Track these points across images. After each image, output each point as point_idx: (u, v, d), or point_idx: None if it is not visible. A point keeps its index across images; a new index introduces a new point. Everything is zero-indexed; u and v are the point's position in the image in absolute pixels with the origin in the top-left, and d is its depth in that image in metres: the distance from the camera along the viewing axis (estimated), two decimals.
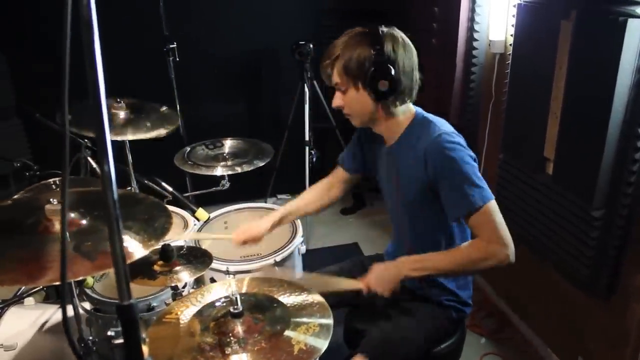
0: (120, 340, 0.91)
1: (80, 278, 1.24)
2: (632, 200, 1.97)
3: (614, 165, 1.97)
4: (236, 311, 1.41)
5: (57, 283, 1.14)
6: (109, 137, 0.82)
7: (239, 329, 1.39)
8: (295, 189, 4.20)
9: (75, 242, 1.24)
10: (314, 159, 3.64)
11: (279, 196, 4.44)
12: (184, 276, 1.71)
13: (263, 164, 2.66)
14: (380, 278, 1.67)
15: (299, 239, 2.42)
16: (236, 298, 1.42)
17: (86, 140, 2.23)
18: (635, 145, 1.89)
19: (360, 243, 3.87)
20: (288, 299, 1.53)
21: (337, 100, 1.74)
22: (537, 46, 2.35)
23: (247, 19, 3.89)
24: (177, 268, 1.73)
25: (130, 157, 2.47)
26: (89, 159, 2.26)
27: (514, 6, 2.50)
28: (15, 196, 1.99)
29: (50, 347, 1.98)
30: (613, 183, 2.00)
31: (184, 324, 1.45)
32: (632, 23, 1.80)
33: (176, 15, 3.40)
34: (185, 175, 3.28)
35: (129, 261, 0.96)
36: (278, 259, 2.27)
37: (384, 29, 1.66)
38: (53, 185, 2.14)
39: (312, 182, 3.62)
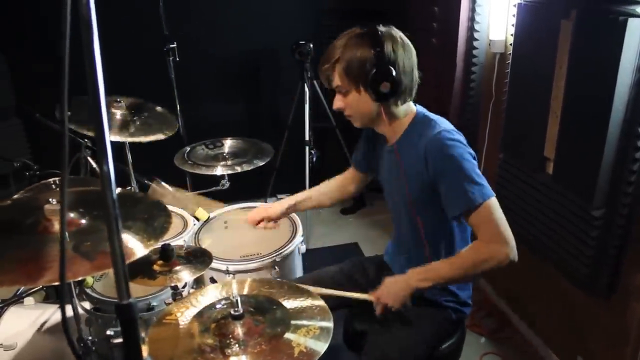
0: (120, 340, 0.91)
1: (80, 278, 1.23)
2: (632, 199, 1.97)
3: (614, 165, 1.97)
4: (237, 313, 1.41)
5: (57, 283, 1.14)
6: (108, 137, 0.82)
7: (239, 330, 1.39)
8: (295, 188, 4.17)
9: (75, 242, 1.24)
10: (314, 159, 3.64)
11: (279, 196, 4.43)
12: (184, 276, 1.71)
13: (263, 163, 2.66)
14: (390, 291, 1.68)
15: (298, 238, 2.41)
16: (237, 300, 1.42)
17: (86, 140, 2.23)
18: (636, 144, 1.89)
19: (360, 243, 3.87)
20: (288, 301, 1.53)
21: (338, 102, 1.74)
22: (537, 46, 2.35)
23: (247, 18, 3.88)
24: (177, 268, 1.72)
25: (130, 157, 2.47)
26: (89, 158, 2.26)
27: (514, 6, 2.50)
28: (15, 196, 1.99)
29: (50, 346, 1.98)
30: (613, 182, 1.99)
31: (184, 326, 1.45)
32: (632, 22, 1.80)
33: (176, 15, 3.39)
34: (185, 175, 3.28)
35: (128, 261, 0.96)
36: (278, 258, 2.27)
37: (382, 28, 1.65)
38: (53, 185, 2.14)
39: (312, 182, 3.65)
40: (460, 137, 1.65)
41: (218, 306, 1.53)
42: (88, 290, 2.03)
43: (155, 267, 1.71)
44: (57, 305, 2.11)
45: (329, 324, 1.41)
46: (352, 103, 1.71)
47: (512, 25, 2.54)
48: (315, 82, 3.61)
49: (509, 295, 2.99)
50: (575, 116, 2.13)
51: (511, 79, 2.58)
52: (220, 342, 1.36)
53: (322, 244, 3.85)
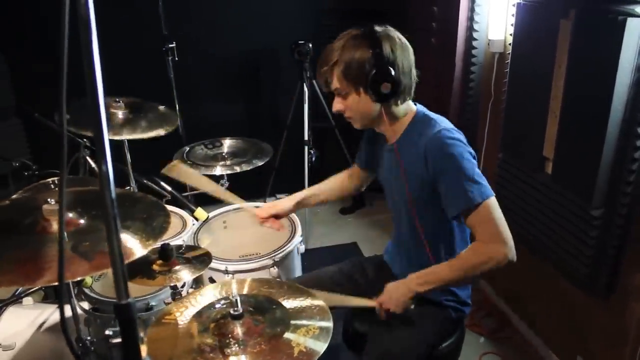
0: (118, 340, 0.91)
1: (79, 278, 1.23)
2: (631, 199, 1.97)
3: (613, 165, 1.97)
4: (236, 313, 1.41)
5: (55, 283, 1.14)
6: (107, 137, 0.82)
7: (238, 330, 1.39)
8: (295, 188, 4.16)
9: (73, 242, 1.24)
10: (313, 159, 3.64)
11: (278, 196, 4.43)
12: (183, 275, 1.71)
13: (262, 163, 2.66)
14: (392, 297, 1.68)
15: (297, 238, 2.41)
16: (236, 300, 1.42)
17: (85, 140, 2.23)
18: (635, 144, 1.89)
19: (359, 243, 3.86)
20: (288, 301, 1.53)
21: (338, 104, 1.74)
22: (536, 45, 2.35)
23: (247, 18, 3.88)
24: (176, 267, 1.72)
25: (129, 157, 2.47)
26: (88, 158, 2.26)
27: (514, 5, 2.50)
28: (14, 196, 1.98)
29: (49, 346, 1.98)
30: (612, 182, 1.99)
31: (183, 325, 1.45)
32: (631, 22, 1.80)
33: (175, 14, 3.39)
34: None
35: (127, 261, 0.96)
36: (277, 258, 2.27)
37: (379, 28, 1.65)
38: (52, 185, 2.14)
39: (311, 182, 3.65)
40: (461, 136, 1.65)
41: (217, 306, 1.53)
42: (87, 291, 2.03)
43: (155, 267, 1.71)
44: (56, 305, 2.11)
45: (329, 324, 1.41)
46: (352, 105, 1.70)
47: (511, 24, 2.54)
48: (314, 82, 3.61)
49: (509, 295, 2.99)
50: (574, 116, 2.13)
51: (510, 78, 2.58)
52: (219, 341, 1.36)
53: (321, 244, 3.85)
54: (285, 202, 2.09)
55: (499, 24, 2.80)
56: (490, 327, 2.89)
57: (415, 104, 1.79)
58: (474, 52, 2.99)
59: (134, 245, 1.27)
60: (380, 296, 1.72)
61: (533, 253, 2.48)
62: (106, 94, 0.81)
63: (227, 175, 2.68)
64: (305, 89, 3.53)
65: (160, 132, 2.31)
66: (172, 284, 1.77)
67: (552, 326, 2.60)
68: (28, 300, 2.10)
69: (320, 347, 1.32)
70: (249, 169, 2.61)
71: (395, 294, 1.68)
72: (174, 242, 2.28)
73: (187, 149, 2.81)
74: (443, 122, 1.70)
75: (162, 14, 3.30)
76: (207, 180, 2.13)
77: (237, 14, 3.86)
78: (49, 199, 1.32)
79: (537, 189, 2.39)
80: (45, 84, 2.31)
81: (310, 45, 3.43)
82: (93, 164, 2.23)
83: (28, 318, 2.02)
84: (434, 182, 1.63)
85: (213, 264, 2.14)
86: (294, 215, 2.56)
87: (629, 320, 2.06)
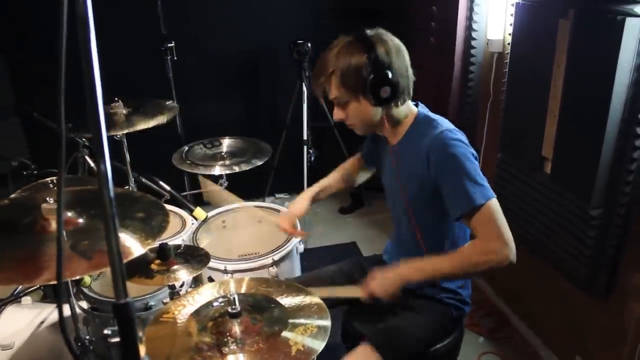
0: (117, 339, 0.91)
1: (77, 277, 1.24)
2: (630, 199, 1.97)
3: (612, 164, 1.97)
4: (234, 311, 1.41)
5: (54, 282, 1.14)
6: (105, 136, 0.82)
7: (236, 329, 1.39)
8: (294, 188, 4.21)
9: (72, 241, 1.24)
10: (312, 158, 3.64)
11: (277, 195, 4.44)
12: (182, 275, 1.70)
13: (261, 163, 2.67)
14: (381, 283, 1.66)
15: (296, 237, 2.41)
16: (234, 298, 1.42)
17: (84, 139, 2.23)
18: (633, 144, 1.89)
19: (358, 242, 3.86)
20: (286, 299, 1.53)
21: (338, 114, 1.74)
22: (535, 45, 2.35)
23: (246, 18, 3.88)
24: (175, 267, 1.72)
25: (128, 156, 2.47)
26: (87, 157, 2.26)
27: (512, 5, 2.50)
28: (12, 195, 1.99)
29: (48, 346, 1.98)
30: (611, 182, 1.99)
31: (181, 324, 1.45)
32: (630, 22, 1.80)
33: (174, 14, 3.39)
34: (184, 174, 3.28)
35: (125, 260, 0.96)
36: (276, 257, 2.27)
37: (371, 32, 1.64)
38: (50, 184, 2.14)
39: (310, 182, 3.65)
40: (463, 137, 1.64)
41: (215, 304, 1.53)
42: (85, 290, 2.03)
43: (153, 267, 1.71)
44: (55, 305, 2.11)
45: (327, 323, 1.41)
46: (353, 112, 1.70)
47: (510, 24, 2.54)
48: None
49: (508, 294, 2.99)
50: (573, 116, 2.13)
51: (509, 78, 2.58)
52: (217, 340, 1.36)
53: (320, 244, 3.85)
54: (301, 204, 2.04)
55: (498, 24, 2.80)
56: (490, 327, 2.89)
57: (417, 105, 1.79)
58: (472, 51, 2.99)
59: (133, 245, 1.27)
60: (367, 281, 1.69)
61: (532, 253, 2.48)
62: (104, 93, 0.80)
63: (226, 174, 2.68)
64: (304, 88, 3.53)
65: (162, 120, 2.30)
66: (170, 284, 1.78)
67: (551, 326, 2.60)
68: (27, 300, 2.10)
69: (318, 345, 1.32)
70: (248, 168, 2.61)
71: (384, 280, 1.66)
72: (173, 242, 2.28)
73: (186, 148, 2.81)
74: (445, 123, 1.69)
75: (161, 13, 3.30)
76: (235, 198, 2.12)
77: (236, 13, 3.86)
78: (47, 198, 1.32)
79: (536, 189, 2.39)
80: (44, 83, 2.32)
81: (310, 44, 3.43)
82: (92, 163, 2.23)
83: (27, 317, 2.03)
84: (436, 183, 1.62)
85: (212, 264, 2.15)
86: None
87: (627, 320, 2.07)
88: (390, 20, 4.09)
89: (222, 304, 1.52)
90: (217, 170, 2.60)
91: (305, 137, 3.62)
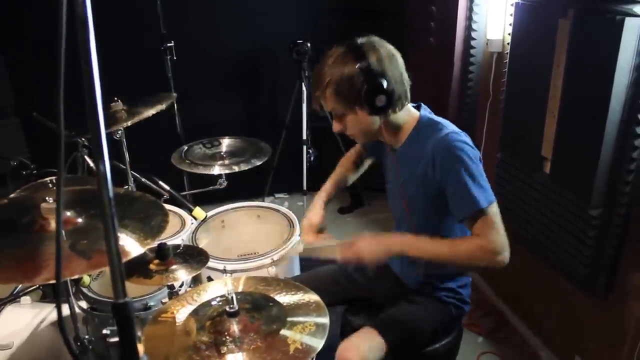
0: (116, 339, 0.91)
1: (76, 276, 1.24)
2: (629, 199, 1.97)
3: (611, 164, 1.97)
4: (232, 310, 1.41)
5: (53, 281, 1.14)
6: (104, 136, 0.82)
7: (234, 328, 1.39)
8: (293, 188, 4.21)
9: (71, 241, 1.24)
10: (312, 158, 3.64)
11: (277, 195, 4.44)
12: (181, 275, 1.70)
13: (260, 163, 2.66)
14: (368, 245, 1.66)
15: (296, 237, 2.41)
16: (232, 297, 1.42)
17: (83, 139, 2.23)
18: (633, 144, 1.89)
19: None
20: (284, 298, 1.53)
21: (337, 125, 1.74)
22: (534, 45, 2.35)
23: (245, 17, 3.88)
24: (174, 267, 1.72)
25: (127, 156, 2.47)
26: (86, 157, 2.26)
27: (512, 5, 2.50)
28: (12, 195, 1.99)
29: (47, 345, 1.98)
30: (611, 182, 1.99)
31: (179, 323, 1.45)
32: (629, 22, 1.80)
33: (174, 13, 3.39)
34: (183, 174, 3.28)
35: (124, 260, 0.96)
36: (275, 257, 2.27)
37: (362, 40, 1.63)
38: (50, 184, 2.14)
39: (309, 182, 3.65)
40: (468, 139, 1.64)
41: (213, 303, 1.53)
42: (85, 290, 2.03)
43: (152, 266, 1.71)
44: (54, 305, 2.11)
45: (325, 320, 1.41)
46: (351, 123, 1.70)
47: (510, 24, 2.54)
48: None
49: (507, 294, 2.99)
50: (572, 116, 2.13)
51: (509, 78, 2.58)
52: (215, 339, 1.36)
53: (319, 244, 3.84)
54: (317, 212, 2.01)
55: (498, 24, 2.80)
56: (489, 327, 2.89)
57: (420, 106, 1.78)
58: (472, 51, 2.99)
59: (132, 244, 1.27)
60: (354, 240, 1.69)
61: (532, 253, 2.48)
62: (104, 93, 0.80)
63: (226, 174, 2.68)
64: (304, 88, 3.53)
65: (161, 107, 2.30)
66: (169, 284, 1.77)
67: (550, 326, 2.60)
68: (26, 300, 2.10)
69: (317, 343, 1.32)
70: (247, 168, 2.61)
71: (373, 243, 1.66)
72: (173, 242, 2.28)
73: (186, 148, 2.81)
74: (450, 126, 1.69)
75: (161, 13, 3.30)
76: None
77: (235, 13, 3.86)
78: (47, 198, 1.32)
79: (536, 189, 2.39)
80: (44, 83, 2.32)
81: (309, 44, 3.42)
82: (91, 163, 2.23)
83: (26, 317, 2.03)
84: (440, 185, 1.62)
85: (211, 264, 2.15)
86: (292, 215, 2.57)
87: (627, 320, 2.07)
88: (390, 20, 4.12)
89: (220, 303, 1.52)
90: (217, 169, 2.60)
91: (304, 137, 3.62)
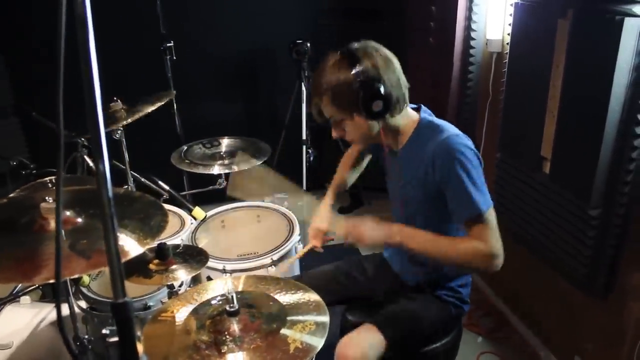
0: (115, 339, 0.91)
1: (76, 276, 1.24)
2: (629, 199, 1.97)
3: (611, 164, 1.97)
4: (232, 309, 1.41)
5: (52, 281, 1.14)
6: (104, 136, 0.82)
7: (235, 327, 1.39)
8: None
9: (71, 241, 1.24)
10: (311, 158, 3.63)
11: (276, 195, 4.43)
12: (180, 275, 1.70)
13: (260, 162, 2.66)
14: (369, 229, 1.67)
15: (295, 237, 2.42)
16: (232, 296, 1.42)
17: (83, 139, 2.23)
18: (632, 144, 1.89)
19: None
20: (284, 297, 1.53)
21: (336, 132, 1.74)
22: (534, 45, 2.35)
23: (245, 17, 3.88)
24: (173, 267, 1.72)
25: (127, 156, 2.47)
26: (86, 157, 2.27)
27: (511, 5, 2.50)
28: (11, 195, 1.99)
29: (46, 345, 1.98)
30: (610, 182, 2.00)
31: (179, 322, 1.45)
32: (628, 22, 1.80)
33: (173, 13, 3.39)
34: (183, 174, 3.28)
35: (124, 259, 0.96)
36: (275, 257, 2.27)
37: (357, 45, 1.63)
38: (49, 184, 2.14)
39: (309, 182, 3.65)
40: (469, 142, 1.64)
41: (213, 302, 1.53)
42: (84, 290, 2.03)
43: (151, 266, 1.71)
44: (54, 304, 2.11)
45: (325, 319, 1.42)
46: (350, 129, 1.70)
47: (509, 24, 2.54)
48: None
49: (507, 294, 2.99)
50: (572, 116, 2.13)
51: (508, 78, 2.58)
52: (215, 338, 1.36)
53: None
54: (325, 216, 2.04)
55: (497, 24, 2.80)
56: (488, 327, 2.89)
57: (419, 108, 1.78)
58: (471, 51, 2.99)
59: (132, 244, 1.27)
60: (356, 222, 1.70)
61: (531, 253, 2.48)
62: (103, 93, 0.81)
63: (225, 174, 2.68)
64: (304, 88, 3.52)
65: (160, 103, 2.30)
66: (168, 283, 1.77)
67: (550, 326, 2.60)
68: (26, 299, 2.10)
69: (317, 342, 1.32)
70: (246, 168, 2.61)
71: (375, 228, 1.67)
72: (172, 241, 2.28)
73: (185, 148, 2.81)
74: (451, 128, 1.69)
75: (160, 13, 3.29)
76: None
77: (235, 13, 3.86)
78: (46, 198, 1.32)
79: (535, 189, 2.39)
80: (44, 83, 2.32)
81: (309, 44, 3.42)
82: (91, 163, 2.24)
83: (25, 317, 2.03)
84: (440, 187, 1.62)
85: (211, 263, 2.15)
86: (291, 214, 2.57)
87: (626, 320, 2.07)
88: (390, 20, 4.11)
89: (220, 302, 1.52)
90: (216, 169, 2.60)
91: (304, 137, 3.61)
